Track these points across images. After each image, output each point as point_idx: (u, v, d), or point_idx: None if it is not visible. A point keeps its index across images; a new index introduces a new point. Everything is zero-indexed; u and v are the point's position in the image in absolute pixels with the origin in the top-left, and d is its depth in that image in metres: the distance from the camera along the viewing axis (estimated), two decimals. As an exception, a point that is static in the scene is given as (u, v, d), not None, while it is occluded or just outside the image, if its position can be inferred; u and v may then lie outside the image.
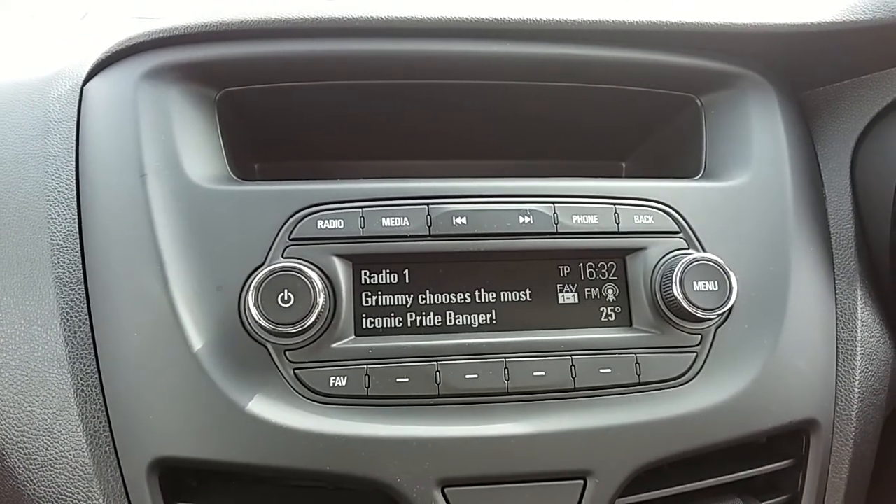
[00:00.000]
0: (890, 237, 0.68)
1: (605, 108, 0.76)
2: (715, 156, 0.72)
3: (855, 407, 0.66)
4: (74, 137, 0.65)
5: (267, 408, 0.55)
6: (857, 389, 0.66)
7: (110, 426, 0.56)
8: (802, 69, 0.74)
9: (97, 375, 0.57)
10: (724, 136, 0.73)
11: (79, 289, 0.59)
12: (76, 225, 0.61)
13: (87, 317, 0.58)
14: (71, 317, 0.58)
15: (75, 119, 0.66)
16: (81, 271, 0.59)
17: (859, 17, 0.66)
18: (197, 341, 0.56)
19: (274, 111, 0.73)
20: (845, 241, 0.71)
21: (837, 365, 0.67)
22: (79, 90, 0.67)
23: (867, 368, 0.67)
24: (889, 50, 0.69)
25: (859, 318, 0.68)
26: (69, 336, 0.58)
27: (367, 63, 0.67)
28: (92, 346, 0.58)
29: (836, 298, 0.69)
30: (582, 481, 0.57)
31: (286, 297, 0.55)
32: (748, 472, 0.62)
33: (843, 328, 0.68)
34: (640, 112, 0.77)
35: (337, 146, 0.83)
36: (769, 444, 0.66)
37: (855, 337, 0.67)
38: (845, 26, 0.66)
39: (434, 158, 0.84)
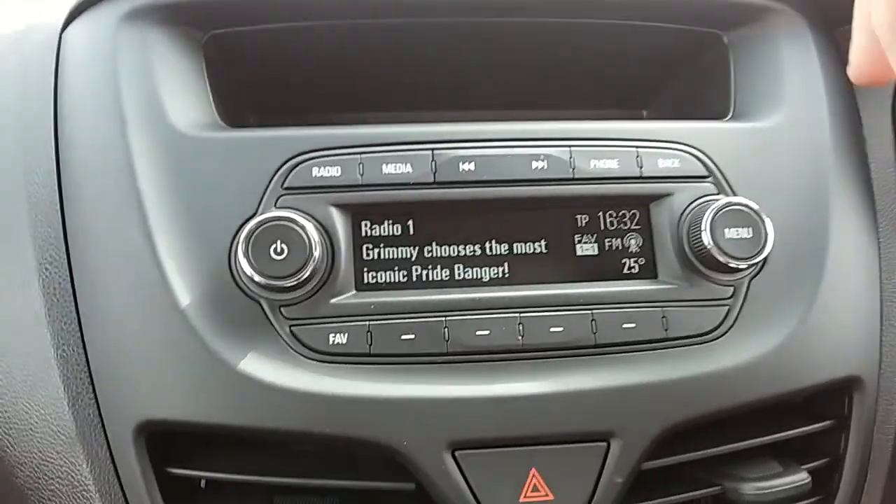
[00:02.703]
0: (938, 180, 0.62)
1: (623, 48, 0.71)
2: (745, 96, 0.67)
3: (902, 363, 0.61)
4: (52, 86, 0.60)
5: (261, 367, 0.51)
6: (904, 344, 0.61)
7: (94, 388, 0.53)
8: (837, 1, 0.68)
9: (79, 335, 0.53)
10: (753, 74, 0.67)
11: (58, 244, 0.55)
12: (55, 177, 0.57)
13: (68, 273, 0.55)
14: (51, 273, 0.54)
15: (53, 67, 0.61)
16: (61, 225, 0.56)
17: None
18: (184, 297, 0.52)
19: (266, 56, 0.68)
20: (887, 186, 0.65)
21: (882, 318, 0.61)
22: (57, 37, 0.63)
23: (914, 321, 0.62)
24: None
25: (905, 267, 0.63)
26: (49, 294, 0.54)
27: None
28: (73, 304, 0.54)
29: (879, 247, 0.63)
30: (605, 443, 0.53)
31: (279, 249, 0.51)
32: (787, 433, 0.57)
33: (887, 279, 0.62)
34: (662, 52, 0.72)
35: (336, 95, 0.78)
36: (807, 403, 0.61)
37: (901, 288, 0.62)
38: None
39: (439, 109, 0.79)
